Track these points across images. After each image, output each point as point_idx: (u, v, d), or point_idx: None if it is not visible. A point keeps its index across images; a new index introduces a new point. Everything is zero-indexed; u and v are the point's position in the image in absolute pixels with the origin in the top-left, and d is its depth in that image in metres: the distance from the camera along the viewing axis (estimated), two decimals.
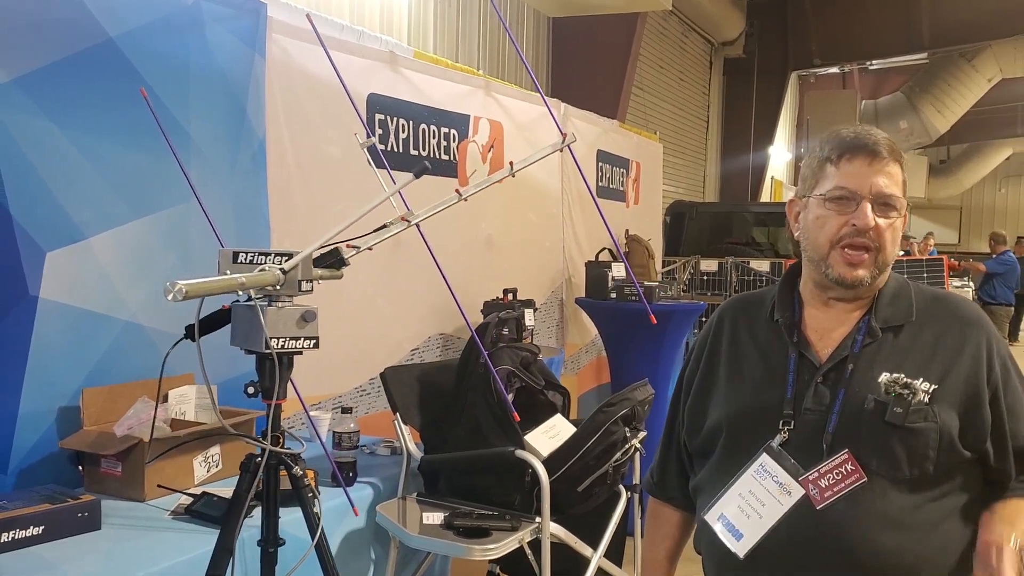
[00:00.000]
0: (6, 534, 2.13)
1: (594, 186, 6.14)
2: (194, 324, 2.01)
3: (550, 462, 2.66)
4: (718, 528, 1.61)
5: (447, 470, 2.81)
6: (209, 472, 2.75)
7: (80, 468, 2.65)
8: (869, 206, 1.55)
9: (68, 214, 2.68)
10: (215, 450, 2.76)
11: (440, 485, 2.85)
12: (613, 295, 5.25)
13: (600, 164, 6.25)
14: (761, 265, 7.48)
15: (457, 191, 2.35)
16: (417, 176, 2.03)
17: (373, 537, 2.83)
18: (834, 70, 16.12)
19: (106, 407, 2.70)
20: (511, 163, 2.44)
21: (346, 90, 2.84)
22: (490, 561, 2.95)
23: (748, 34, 12.38)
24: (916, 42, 12.63)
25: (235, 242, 3.27)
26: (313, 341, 1.77)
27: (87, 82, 2.73)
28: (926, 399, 1.52)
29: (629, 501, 3.02)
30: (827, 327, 1.65)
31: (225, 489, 2.61)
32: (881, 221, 1.56)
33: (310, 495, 1.81)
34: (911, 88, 14.41)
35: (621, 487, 2.96)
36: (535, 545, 2.63)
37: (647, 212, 7.33)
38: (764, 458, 1.59)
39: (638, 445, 2.73)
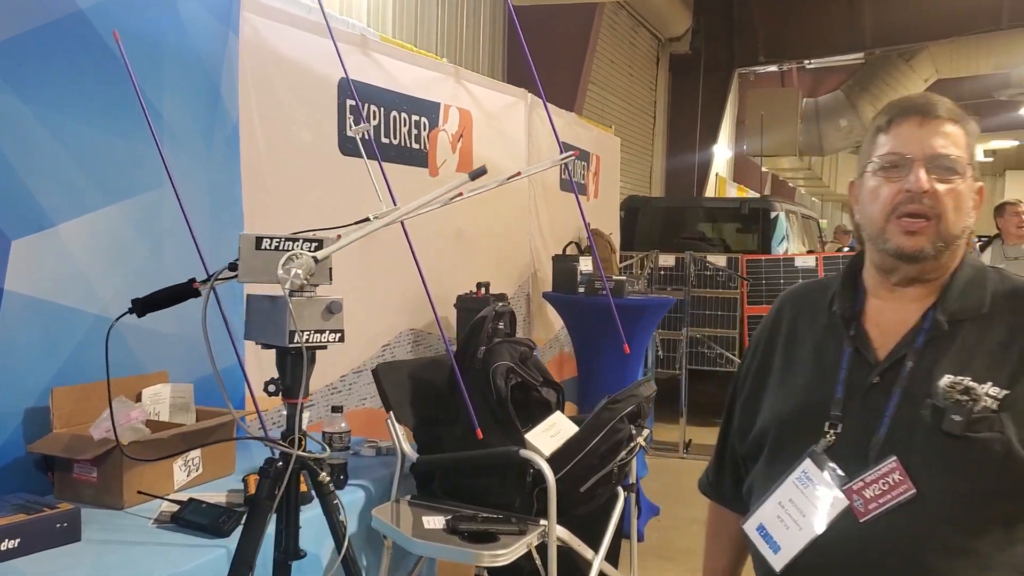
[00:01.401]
0: None
1: (558, 180, 6.03)
2: (140, 299, 1.88)
3: (552, 461, 2.55)
4: (756, 539, 1.47)
5: (442, 471, 2.67)
6: (189, 476, 2.57)
7: (49, 474, 2.45)
8: (923, 169, 1.41)
9: (35, 199, 2.48)
10: (195, 453, 2.58)
11: (434, 487, 2.72)
12: (582, 289, 5.16)
13: None
14: (719, 260, 7.47)
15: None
16: (473, 179, 1.92)
17: (364, 541, 2.69)
18: (773, 68, 16.31)
19: (77, 408, 2.51)
20: (519, 172, 2.31)
21: (346, 75, 2.67)
22: (477, 564, 2.83)
23: (695, 31, 12.42)
24: (859, 42, 12.81)
25: (209, 230, 3.09)
26: (339, 334, 1.62)
27: (54, 56, 2.53)
28: (994, 405, 1.34)
29: (626, 501, 2.93)
30: (890, 319, 1.49)
31: (212, 495, 2.44)
32: (939, 186, 1.41)
33: (335, 502, 1.66)
34: (851, 87, 14.63)
35: (619, 487, 2.86)
36: (535, 548, 2.51)
37: (606, 206, 7.26)
38: (807, 464, 1.44)
39: (643, 443, 2.63)
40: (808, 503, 1.41)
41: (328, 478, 1.67)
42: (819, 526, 1.40)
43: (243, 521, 2.22)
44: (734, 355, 7.43)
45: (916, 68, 13.72)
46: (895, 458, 1.37)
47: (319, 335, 1.59)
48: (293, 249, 1.58)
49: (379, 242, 4.01)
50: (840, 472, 1.41)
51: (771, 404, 1.55)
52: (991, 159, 25.63)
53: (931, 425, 1.36)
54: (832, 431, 1.43)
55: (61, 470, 2.41)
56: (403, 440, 2.67)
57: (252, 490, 2.41)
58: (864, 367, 1.46)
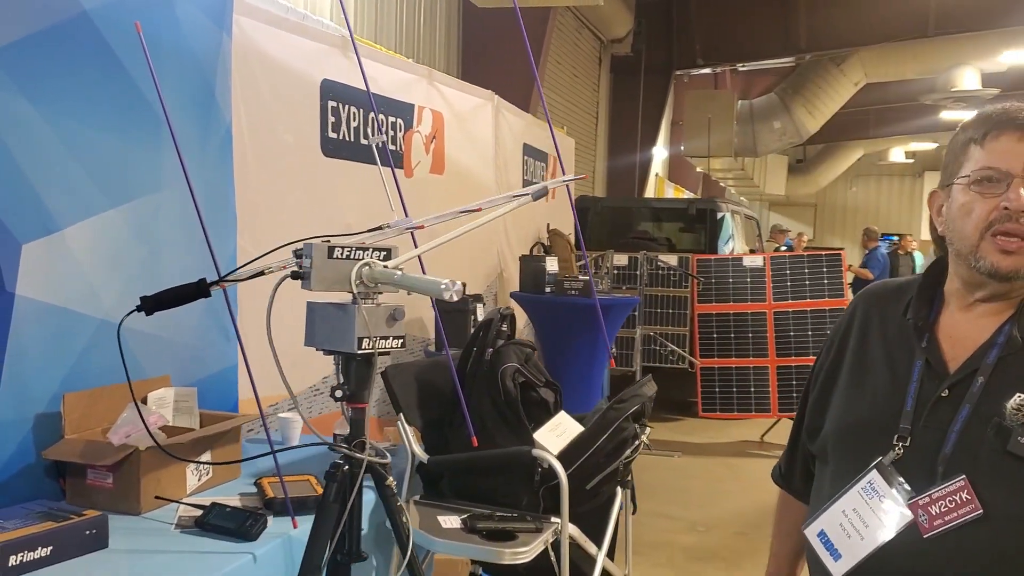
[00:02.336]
0: (13, 557, 1.91)
1: (520, 180, 6.10)
2: (149, 297, 1.89)
3: (560, 460, 2.61)
4: (816, 544, 1.49)
5: (451, 471, 2.71)
6: (200, 481, 2.57)
7: (61, 480, 2.42)
8: (1023, 187, 1.36)
9: (44, 202, 2.44)
10: (206, 457, 2.58)
11: (442, 486, 2.76)
12: (550, 289, 5.23)
13: (525, 157, 6.21)
14: (670, 259, 7.63)
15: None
16: (535, 199, 1.99)
17: (372, 543, 2.71)
18: (707, 71, 16.64)
19: (87, 413, 2.49)
20: (530, 193, 2.36)
21: (366, 84, 2.68)
22: (472, 561, 2.88)
23: (636, 32, 12.60)
24: (793, 46, 13.14)
25: (207, 227, 3.07)
26: (400, 340, 1.65)
27: (61, 58, 2.50)
28: None
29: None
30: (963, 332, 1.46)
31: (227, 499, 2.44)
32: None
33: (399, 504, 1.69)
34: (784, 90, 15.00)
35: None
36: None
37: (561, 206, 7.35)
38: (874, 475, 1.43)
39: (647, 441, 2.71)
40: (872, 514, 1.42)
41: (394, 482, 1.70)
42: (883, 539, 1.40)
43: (264, 526, 2.25)
44: (685, 352, 7.59)
45: (846, 72, 14.14)
46: (964, 477, 1.35)
47: (383, 341, 1.63)
48: (364, 258, 1.61)
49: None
50: (907, 487, 1.40)
51: (840, 407, 1.56)
52: (911, 160, 26.52)
53: (996, 445, 1.34)
54: (900, 444, 1.42)
55: (74, 476, 2.39)
56: (414, 441, 2.71)
57: (269, 493, 2.43)
58: (934, 379, 1.44)
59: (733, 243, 8.89)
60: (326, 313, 1.64)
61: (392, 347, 1.64)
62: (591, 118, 12.41)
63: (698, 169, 17.99)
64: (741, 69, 17.89)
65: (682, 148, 14.73)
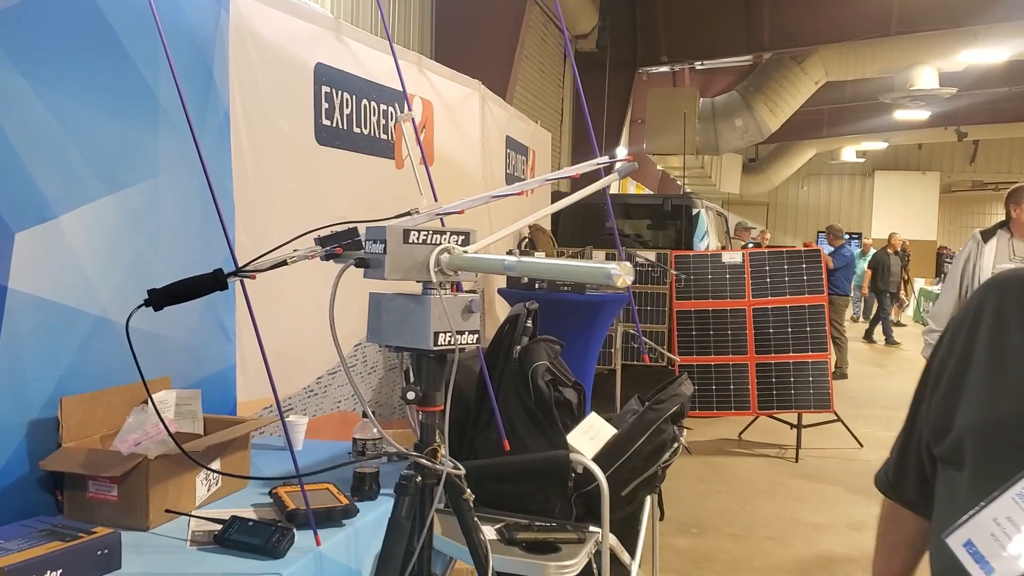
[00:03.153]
0: None
1: (503, 173, 5.93)
2: (158, 290, 1.70)
3: (597, 464, 2.45)
4: (962, 555, 1.32)
5: (475, 477, 2.53)
6: (209, 491, 2.36)
7: (58, 493, 2.20)
8: None
9: (38, 187, 2.22)
10: (215, 465, 2.37)
11: None
12: (541, 285, 5.07)
13: (507, 151, 6.04)
14: (648, 255, 7.51)
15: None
16: (622, 176, 1.84)
17: None
18: (664, 69, 16.61)
19: (85, 419, 2.27)
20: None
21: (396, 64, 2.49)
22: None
23: (601, 28, 12.49)
24: (756, 44, 13.14)
25: (203, 225, 2.86)
26: (476, 335, 1.48)
27: (56, 29, 2.27)
28: None
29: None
30: None
31: (240, 511, 2.24)
32: None
33: (475, 520, 1.51)
34: (746, 88, 15.02)
35: None
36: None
37: (540, 202, 7.19)
38: None
39: (686, 444, 2.55)
40: None
41: (472, 495, 1.52)
42: None
43: (292, 542, 2.05)
44: (664, 350, 7.48)
45: (807, 70, 14.19)
46: None
47: (459, 336, 1.45)
48: (443, 242, 1.43)
49: None
50: None
51: (978, 404, 1.39)
52: (863, 160, 26.87)
53: None
54: None
55: (73, 489, 2.17)
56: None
57: (290, 504, 2.23)
58: None
59: (708, 239, 8.81)
60: (395, 305, 1.46)
61: (467, 343, 1.46)
62: (556, 114, 12.27)
63: (659, 168, 17.97)
64: (699, 68, 17.93)
65: (644, 146, 14.66)
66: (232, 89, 3.05)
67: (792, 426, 7.37)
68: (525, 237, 5.81)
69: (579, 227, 8.67)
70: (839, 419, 7.52)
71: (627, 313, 7.34)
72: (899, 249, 17.31)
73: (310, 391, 3.65)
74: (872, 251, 18.15)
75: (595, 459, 2.46)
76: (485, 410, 2.59)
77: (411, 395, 1.47)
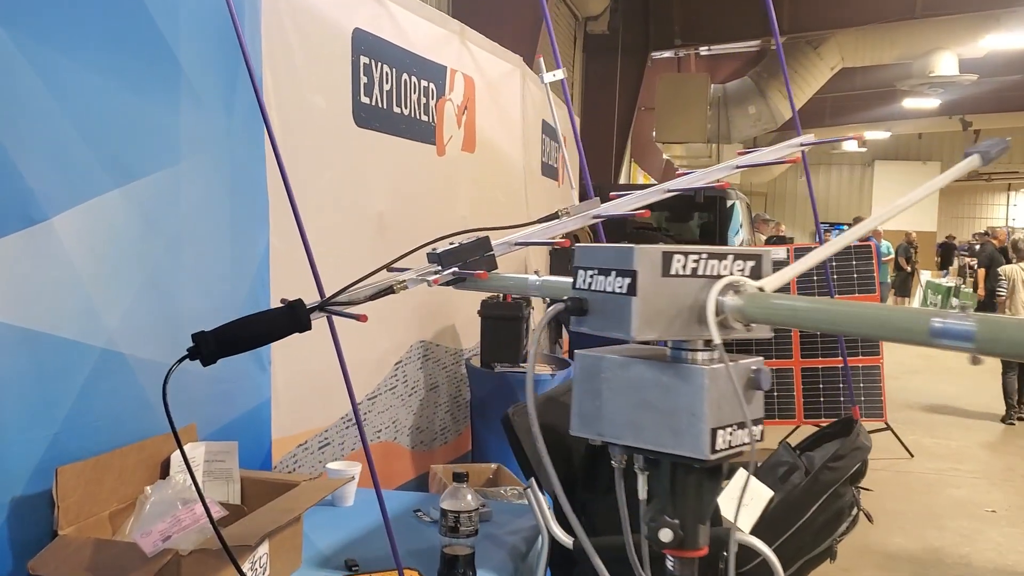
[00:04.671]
0: None
1: (539, 162, 5.33)
2: (209, 333, 1.11)
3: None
4: None
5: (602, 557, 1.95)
6: None
7: None
8: None
9: (24, 178, 1.62)
10: (263, 549, 1.78)
11: (577, 574, 2.00)
12: None
13: (543, 136, 5.45)
14: None
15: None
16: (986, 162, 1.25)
17: None
18: (669, 54, 16.05)
19: (89, 493, 1.67)
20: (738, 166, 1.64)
21: None
22: None
23: (612, 10, 11.88)
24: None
25: (232, 220, 2.27)
26: (760, 428, 0.89)
27: None
28: None
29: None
30: None
31: None
32: None
33: None
34: (758, 74, 14.45)
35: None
36: None
37: (568, 192, 6.61)
38: None
39: (867, 511, 1.98)
40: None
41: None
42: None
43: None
44: None
45: (823, 56, 13.64)
46: None
47: (739, 432, 0.87)
48: (725, 273, 0.85)
49: (388, 241, 3.25)
50: None
51: None
52: (864, 149, 26.42)
53: None
54: None
55: None
56: (551, 519, 1.94)
57: None
58: None
59: (742, 233, 8.25)
60: (631, 379, 0.88)
61: (743, 445, 0.88)
62: (561, 100, 11.67)
63: (665, 156, 17.42)
64: (704, 53, 17.38)
65: (653, 134, 14.09)
66: (264, 57, 2.46)
67: None
68: (571, 233, 5.22)
69: (606, 221, 8.06)
70: (889, 428, 6.98)
71: None
72: (909, 241, 16.90)
73: (348, 420, 3.06)
74: (884, 242, 17.66)
75: (754, 531, 1.88)
76: (603, 466, 2.01)
77: (667, 535, 0.89)
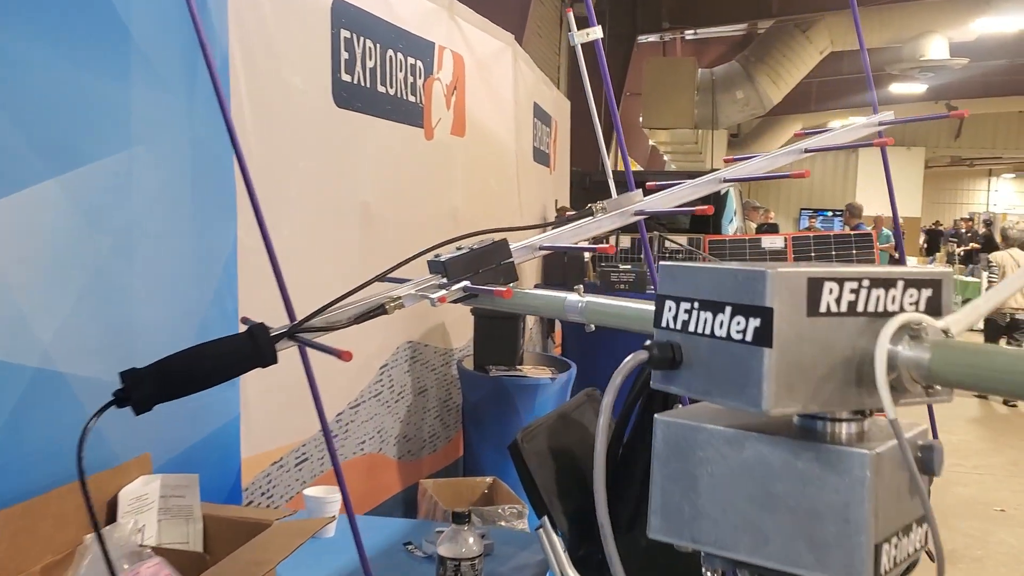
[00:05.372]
0: None
1: (530, 147, 5.05)
2: (142, 372, 0.83)
3: None
4: None
5: None
6: None
7: None
8: None
9: None
10: None
11: None
12: (591, 283, 4.21)
13: (535, 120, 5.16)
14: (679, 239, 6.69)
15: None
16: None
17: None
18: (654, 38, 15.76)
19: (17, 544, 1.39)
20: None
21: None
22: None
23: None
24: (765, 9, 12.33)
25: (193, 213, 1.98)
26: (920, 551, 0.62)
27: None
28: None
29: None
30: None
31: None
32: None
33: None
34: (747, 58, 14.17)
35: None
36: None
37: (561, 179, 6.34)
38: None
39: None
40: None
41: None
42: None
43: None
44: None
45: (812, 39, 13.40)
46: None
47: (904, 539, 0.60)
48: (894, 308, 0.57)
49: (371, 237, 2.96)
50: None
51: None
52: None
53: None
54: None
55: None
56: (566, 562, 1.67)
57: None
58: None
59: (736, 222, 8.00)
60: (746, 460, 0.60)
61: (909, 555, 0.61)
62: (552, 82, 11.36)
63: (651, 142, 17.15)
64: (690, 37, 17.13)
65: (640, 119, 13.81)
66: (232, 28, 2.16)
67: None
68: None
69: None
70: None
71: None
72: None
73: (330, 432, 2.78)
74: (884, 229, 17.44)
75: None
76: (624, 502, 1.74)
77: None
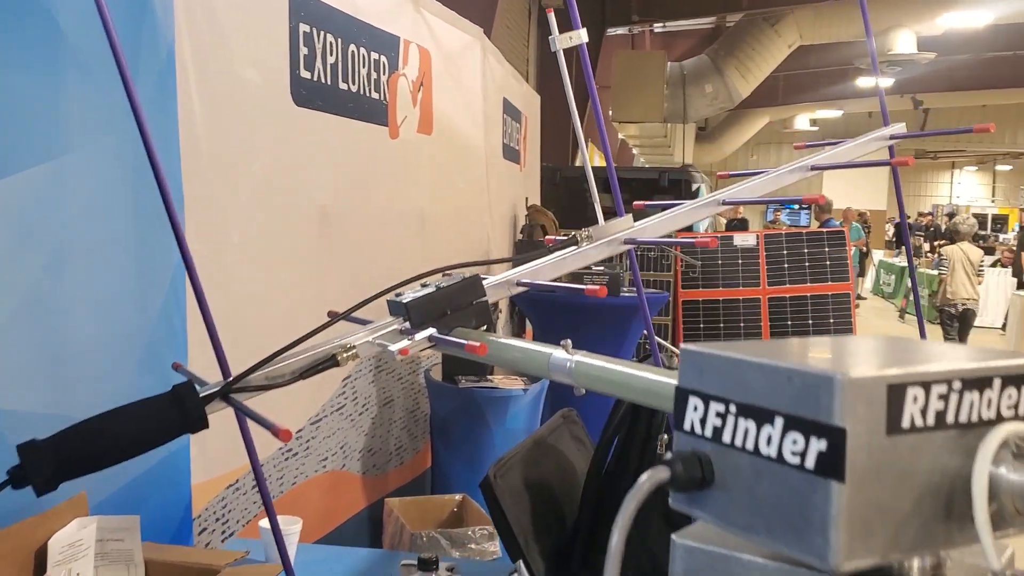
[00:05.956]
0: None
1: (499, 144, 4.90)
2: (36, 444, 0.70)
3: None
4: None
5: None
6: None
7: None
8: None
9: None
10: None
11: None
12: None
13: (504, 116, 5.01)
14: None
15: None
16: None
17: None
18: (623, 31, 15.66)
19: None
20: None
21: None
22: None
23: None
24: (734, 3, 12.26)
25: (136, 223, 1.83)
26: None
27: None
28: None
29: None
30: None
31: None
32: None
33: None
34: (716, 51, 14.10)
35: None
36: None
37: (531, 176, 6.21)
38: None
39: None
40: None
41: None
42: None
43: None
44: (668, 344, 6.59)
45: (781, 33, 13.37)
46: None
47: None
48: (989, 415, 0.45)
49: (332, 237, 2.82)
50: None
51: None
52: (815, 129, 26.34)
53: None
54: None
55: None
56: None
57: None
58: None
59: (708, 219, 7.91)
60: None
61: None
62: (521, 76, 11.20)
63: (620, 136, 17.05)
64: (659, 30, 17.06)
65: (610, 112, 13.69)
66: (179, 19, 2.00)
67: None
68: (536, 224, 4.81)
69: (567, 204, 7.65)
70: None
71: None
72: (863, 220, 16.80)
73: (288, 451, 2.63)
74: (854, 223, 17.52)
75: None
76: (607, 538, 1.61)
77: None
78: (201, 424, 0.78)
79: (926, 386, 0.45)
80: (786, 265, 6.50)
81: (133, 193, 1.79)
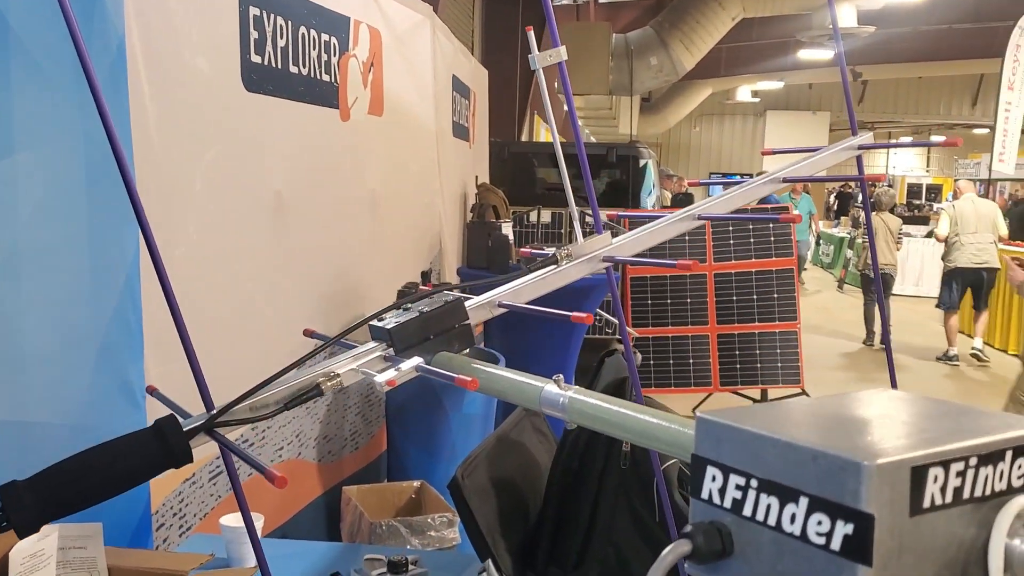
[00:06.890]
0: None
1: (449, 122, 4.87)
2: (17, 484, 0.71)
3: None
4: None
5: None
6: None
7: None
8: None
9: None
10: None
11: None
12: (512, 264, 4.10)
13: (454, 94, 4.97)
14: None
15: None
16: None
17: None
18: (567, 1, 15.61)
19: None
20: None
21: None
22: None
23: None
24: None
25: (89, 221, 1.78)
26: None
27: None
28: None
29: None
30: None
31: None
32: None
33: None
34: (660, 24, 14.13)
35: None
36: None
37: (480, 153, 6.18)
38: None
39: None
40: None
41: None
42: None
43: None
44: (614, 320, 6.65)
45: (725, 5, 13.44)
46: None
47: None
48: (1001, 486, 0.46)
49: (286, 223, 2.79)
50: None
51: None
52: (757, 100, 26.59)
53: None
54: None
55: None
56: None
57: None
58: None
59: (656, 193, 7.96)
60: None
61: None
62: (467, 51, 11.12)
63: (565, 108, 17.03)
64: (602, 1, 17.04)
65: (556, 85, 13.66)
66: (128, 10, 1.94)
67: (755, 401, 6.67)
68: (486, 204, 4.80)
69: (513, 181, 7.64)
70: (804, 394, 6.88)
71: None
72: (806, 191, 17.01)
73: (244, 440, 2.61)
74: (804, 194, 17.70)
75: None
76: (573, 535, 1.62)
77: None
78: (186, 459, 0.77)
79: (946, 465, 0.46)
80: (732, 241, 6.58)
81: (86, 192, 1.75)
